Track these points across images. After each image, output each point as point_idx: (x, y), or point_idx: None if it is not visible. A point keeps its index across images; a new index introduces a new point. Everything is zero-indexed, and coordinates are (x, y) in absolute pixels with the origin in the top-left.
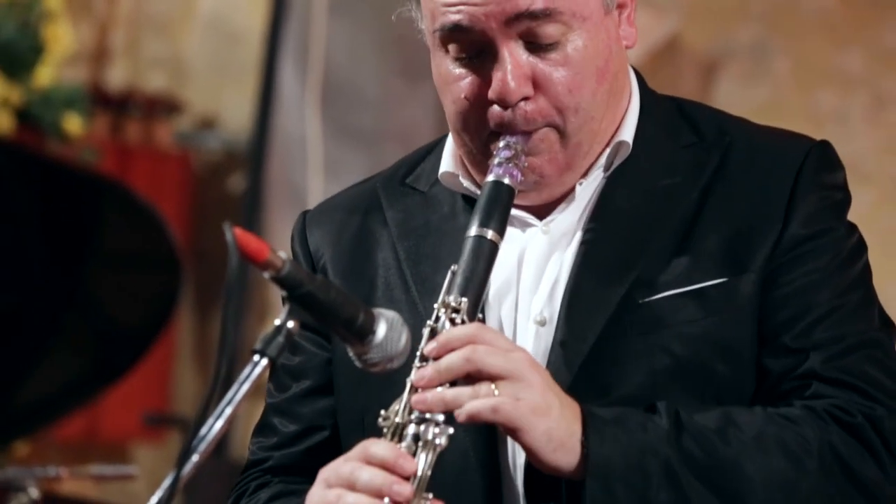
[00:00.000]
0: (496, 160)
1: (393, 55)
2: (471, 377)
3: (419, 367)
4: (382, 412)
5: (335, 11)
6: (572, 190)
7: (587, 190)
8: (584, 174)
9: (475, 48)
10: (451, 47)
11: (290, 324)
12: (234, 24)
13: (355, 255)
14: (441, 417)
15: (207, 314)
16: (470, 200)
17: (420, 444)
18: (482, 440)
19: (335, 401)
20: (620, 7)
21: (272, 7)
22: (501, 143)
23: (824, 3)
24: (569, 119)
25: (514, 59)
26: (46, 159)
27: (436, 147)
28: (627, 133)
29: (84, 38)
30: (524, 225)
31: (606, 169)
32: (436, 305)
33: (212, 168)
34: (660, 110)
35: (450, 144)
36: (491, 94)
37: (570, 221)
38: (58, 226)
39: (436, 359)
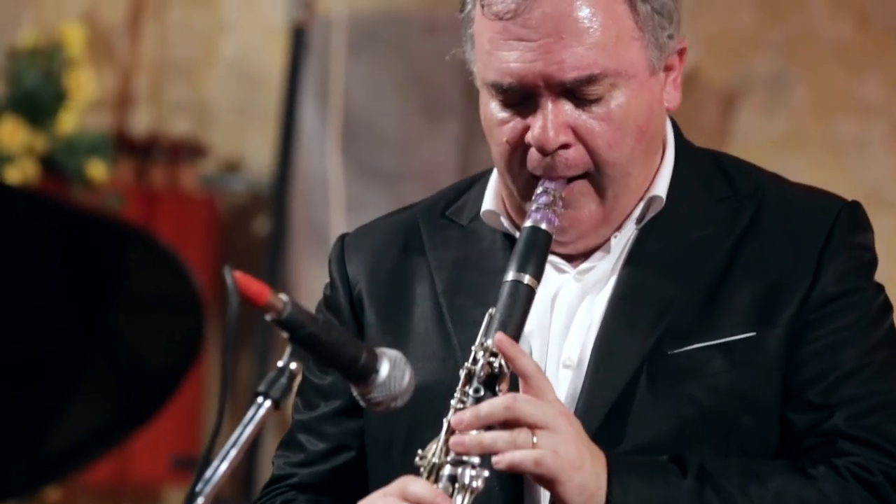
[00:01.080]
0: (534, 205)
1: (413, 94)
2: (508, 423)
3: (458, 409)
4: (420, 451)
5: (354, 51)
6: (607, 241)
7: (621, 241)
8: (619, 227)
9: (521, 97)
10: (500, 95)
11: (293, 365)
12: (256, 66)
13: (392, 285)
14: (476, 460)
15: (236, 355)
16: (510, 239)
17: (457, 485)
18: (509, 482)
19: (363, 425)
20: (668, 69)
21: (291, 48)
22: (540, 189)
23: (840, 32)
24: (605, 172)
25: (555, 110)
26: (68, 208)
27: (478, 181)
28: (661, 187)
29: (107, 85)
30: (558, 270)
31: (639, 221)
32: (473, 347)
33: (237, 210)
34: (696, 163)
35: (493, 182)
36: (531, 140)
37: (603, 270)
38: (82, 272)
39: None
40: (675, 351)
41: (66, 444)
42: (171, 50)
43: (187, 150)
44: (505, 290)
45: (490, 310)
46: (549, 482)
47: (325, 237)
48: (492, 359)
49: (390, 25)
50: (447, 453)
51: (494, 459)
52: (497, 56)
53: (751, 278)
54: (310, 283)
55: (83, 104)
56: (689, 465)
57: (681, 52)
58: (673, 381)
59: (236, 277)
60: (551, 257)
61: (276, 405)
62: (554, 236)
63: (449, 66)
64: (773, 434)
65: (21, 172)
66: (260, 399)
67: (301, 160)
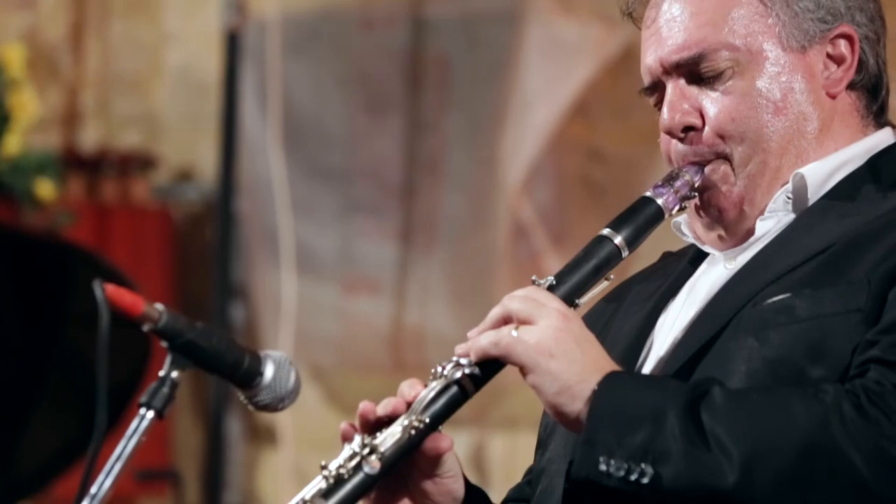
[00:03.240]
0: (661, 182)
1: (355, 91)
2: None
3: None
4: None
5: (293, 52)
6: (753, 230)
7: (767, 225)
8: (763, 210)
9: (658, 91)
10: (650, 99)
11: (174, 374)
12: (201, 74)
13: (602, 315)
14: (465, 361)
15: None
16: (700, 250)
17: (437, 377)
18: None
19: None
20: (836, 59)
21: (227, 53)
22: (675, 171)
23: None
24: (735, 148)
25: (675, 91)
26: (14, 231)
27: None
28: (811, 170)
29: (53, 103)
30: (712, 262)
31: (796, 210)
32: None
33: (192, 219)
34: (893, 168)
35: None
36: (660, 128)
37: (750, 256)
38: (31, 294)
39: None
40: (769, 301)
41: (32, 461)
42: (115, 63)
43: (138, 163)
44: (590, 242)
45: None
46: (520, 369)
47: (275, 240)
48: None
49: (328, 24)
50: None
51: (456, 347)
52: (643, 59)
53: (866, 242)
54: (265, 286)
55: (27, 124)
56: (704, 381)
57: (850, 41)
58: (752, 332)
59: (107, 290)
60: (708, 249)
61: (160, 415)
62: (701, 225)
63: (389, 61)
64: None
65: None
66: (142, 410)
67: (246, 164)
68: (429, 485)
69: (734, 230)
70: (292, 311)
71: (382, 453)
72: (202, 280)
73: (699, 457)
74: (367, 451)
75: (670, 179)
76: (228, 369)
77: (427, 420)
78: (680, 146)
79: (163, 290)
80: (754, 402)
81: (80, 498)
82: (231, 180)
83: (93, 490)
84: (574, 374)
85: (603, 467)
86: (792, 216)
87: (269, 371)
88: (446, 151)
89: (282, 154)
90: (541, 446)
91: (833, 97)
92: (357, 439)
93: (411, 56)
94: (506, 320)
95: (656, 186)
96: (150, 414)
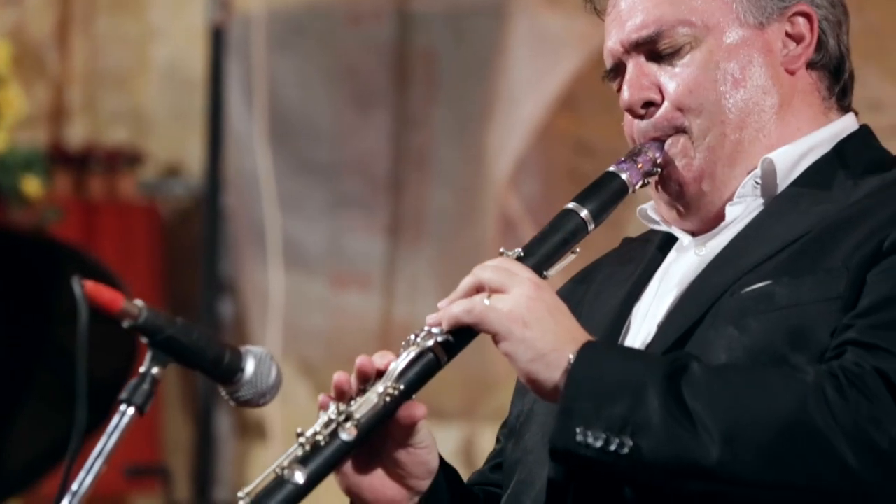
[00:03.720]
0: (624, 158)
1: (342, 86)
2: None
3: None
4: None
5: (279, 47)
6: (722, 211)
7: (737, 211)
8: (732, 196)
9: (620, 73)
10: (614, 83)
11: (155, 370)
12: (188, 70)
13: (571, 299)
14: (436, 330)
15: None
16: (668, 236)
17: (410, 345)
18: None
19: None
20: (796, 38)
21: (212, 49)
22: (635, 148)
23: None
24: (693, 120)
25: (635, 70)
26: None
27: None
28: (780, 155)
29: (39, 99)
30: (681, 250)
31: (765, 195)
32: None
33: (180, 215)
34: (866, 155)
35: None
36: (621, 104)
37: (720, 241)
38: (16, 291)
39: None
40: (742, 291)
41: (20, 459)
42: (101, 59)
43: (125, 159)
44: (555, 216)
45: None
46: (493, 337)
47: (262, 234)
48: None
49: (314, 18)
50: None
51: (430, 319)
52: (604, 49)
53: (841, 229)
54: (253, 281)
55: (13, 121)
56: (682, 354)
57: (808, 18)
58: (731, 321)
59: (86, 287)
60: (679, 234)
61: (140, 411)
62: (665, 203)
63: (376, 55)
64: None
65: None
66: (123, 406)
67: (233, 159)
68: (403, 455)
69: (696, 207)
70: (280, 306)
71: (358, 420)
72: (190, 276)
73: (680, 431)
74: (342, 417)
75: (633, 155)
76: (209, 365)
77: (401, 387)
78: (641, 123)
79: (150, 286)
80: (734, 378)
81: (62, 495)
82: (218, 176)
83: (74, 487)
84: (548, 342)
85: (580, 438)
86: (760, 201)
87: (249, 366)
88: (434, 146)
89: (268, 149)
90: (513, 435)
91: (792, 73)
92: (332, 407)
93: (398, 51)
94: (477, 289)
95: (619, 162)
96: (131, 410)
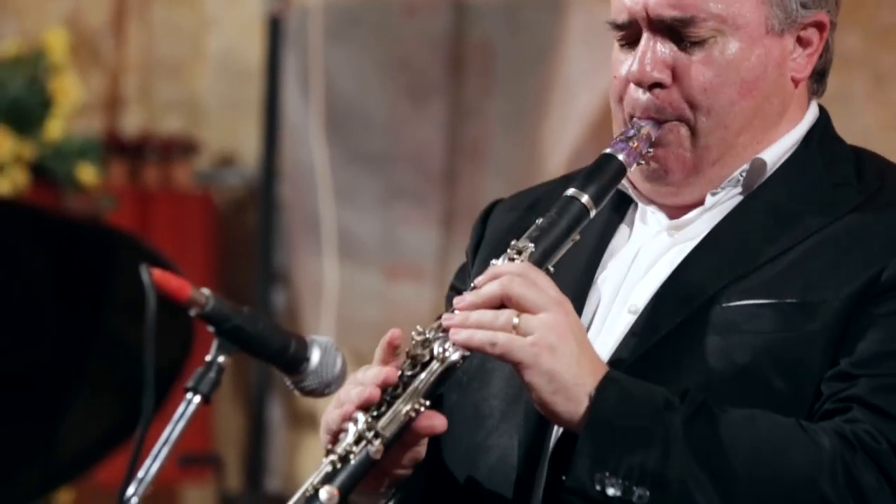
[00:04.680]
0: (619, 137)
1: (397, 77)
2: (504, 305)
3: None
4: (419, 327)
5: (335, 38)
6: (700, 201)
7: (720, 204)
8: (716, 186)
9: (632, 36)
10: (616, 34)
11: (221, 359)
12: (243, 60)
13: (508, 231)
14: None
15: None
16: (623, 196)
17: (435, 356)
18: (533, 420)
19: None
20: (804, 43)
21: (269, 39)
22: (631, 125)
23: None
24: (699, 118)
25: (654, 46)
26: (56, 217)
27: None
28: (769, 154)
29: (95, 88)
30: (653, 221)
31: (745, 189)
32: (512, 244)
33: (234, 205)
34: (829, 148)
35: None
36: (628, 74)
37: (697, 229)
38: (74, 280)
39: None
40: (729, 304)
41: (74, 446)
42: (157, 49)
43: (179, 148)
44: (557, 203)
45: (538, 219)
46: (516, 365)
47: (317, 225)
48: (516, 256)
49: (370, 10)
50: (441, 330)
51: (451, 332)
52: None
53: (831, 250)
54: (306, 271)
55: (70, 109)
56: (690, 396)
57: (820, 28)
58: (716, 332)
59: (154, 275)
60: (651, 209)
61: (206, 400)
62: (644, 176)
63: (431, 47)
64: (803, 404)
65: (11, 182)
66: (189, 395)
67: (288, 150)
68: (401, 453)
69: (674, 191)
70: (334, 297)
71: (386, 437)
72: (244, 266)
73: (695, 492)
74: (372, 434)
75: (627, 134)
76: (274, 354)
77: (427, 404)
78: (642, 97)
79: (204, 275)
80: (752, 439)
81: (128, 482)
82: (273, 166)
83: (140, 474)
84: (572, 374)
85: (598, 486)
86: (738, 190)
87: (315, 356)
88: (488, 137)
89: (324, 140)
90: (459, 385)
91: (796, 83)
92: (361, 421)
93: (453, 42)
94: (502, 300)
95: (615, 143)
96: (197, 399)
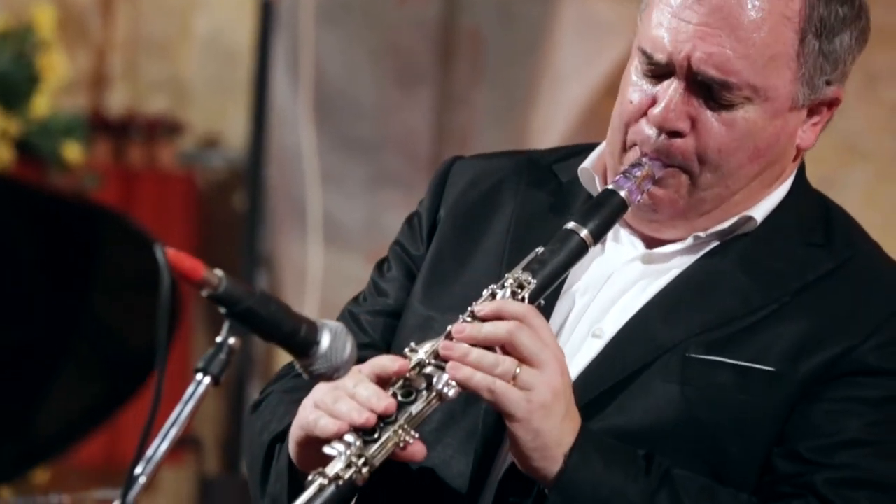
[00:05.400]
0: (624, 172)
1: (386, 63)
2: (505, 351)
3: (465, 321)
4: (412, 343)
5: (325, 22)
6: (684, 238)
7: (700, 244)
8: (702, 231)
9: (660, 71)
10: (644, 61)
11: (231, 340)
12: (232, 41)
13: (475, 211)
14: (447, 376)
15: (208, 332)
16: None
17: (430, 386)
18: (491, 424)
19: (397, 331)
20: (813, 112)
21: (260, 22)
22: (637, 160)
23: None
24: (704, 173)
25: (685, 96)
26: (42, 192)
27: (596, 146)
28: (759, 211)
29: (81, 65)
30: (630, 246)
31: (726, 235)
32: (507, 274)
33: (217, 186)
34: (804, 204)
35: (601, 147)
36: (651, 114)
37: (671, 264)
38: (58, 256)
39: (483, 320)
40: (695, 356)
41: (52, 426)
42: (144, 28)
43: (164, 128)
44: (558, 236)
45: (538, 248)
46: (507, 416)
47: (303, 210)
48: (517, 290)
49: None
50: (436, 356)
51: (450, 366)
52: (658, 27)
53: (799, 320)
54: (290, 255)
55: (56, 86)
56: (654, 464)
57: (832, 103)
58: (679, 381)
59: (168, 254)
60: (626, 232)
61: (216, 381)
62: (630, 208)
63: (421, 34)
64: (752, 471)
65: None
66: (199, 376)
67: (275, 134)
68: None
69: (657, 227)
70: (318, 281)
71: (374, 466)
72: (225, 247)
73: None
74: (362, 462)
75: (631, 170)
76: (285, 337)
77: (416, 436)
78: (655, 138)
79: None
80: None
81: (136, 461)
82: (261, 150)
83: (148, 453)
84: (554, 436)
85: None
86: (717, 242)
87: (325, 340)
88: (477, 126)
89: (312, 124)
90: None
91: (800, 150)
92: (353, 445)
93: (444, 30)
94: (505, 347)
95: (618, 178)
96: (207, 380)
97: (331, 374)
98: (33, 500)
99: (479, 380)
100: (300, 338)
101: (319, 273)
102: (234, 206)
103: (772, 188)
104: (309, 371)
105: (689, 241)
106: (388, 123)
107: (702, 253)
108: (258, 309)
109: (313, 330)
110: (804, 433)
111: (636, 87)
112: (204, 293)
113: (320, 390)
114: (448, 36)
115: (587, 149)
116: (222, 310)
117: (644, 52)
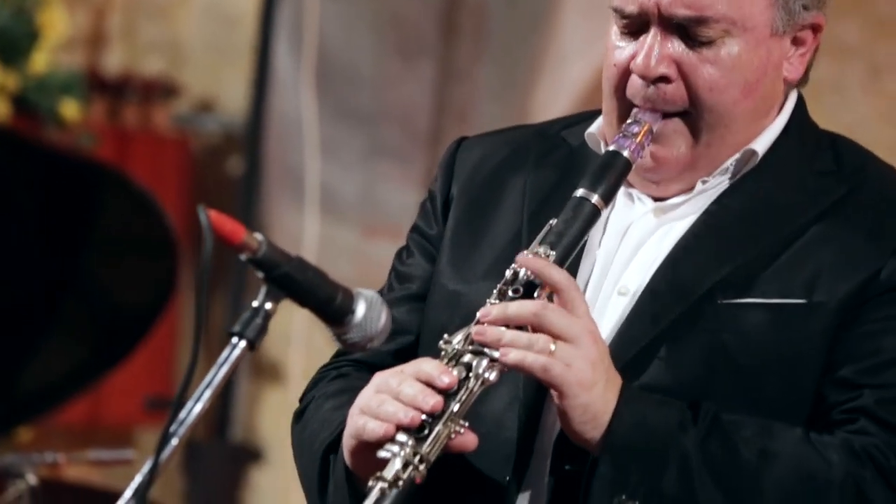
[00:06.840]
0: (622, 132)
1: (389, 34)
2: (533, 328)
3: (493, 304)
4: (445, 336)
5: None
6: (692, 187)
7: (708, 188)
8: (708, 175)
9: (637, 26)
10: (619, 20)
11: (268, 305)
12: (231, 6)
13: (489, 184)
14: (496, 354)
15: (209, 296)
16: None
17: (471, 374)
18: (532, 390)
19: (425, 312)
20: (798, 42)
21: None
22: (632, 118)
23: None
24: (702, 115)
25: (663, 41)
26: (41, 146)
27: (600, 113)
28: (760, 144)
29: (80, 23)
30: (639, 203)
31: (732, 175)
32: (525, 251)
33: (211, 151)
34: (808, 135)
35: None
36: (633, 66)
37: (683, 211)
38: (54, 213)
39: (525, 289)
40: (727, 301)
41: (38, 385)
42: None
43: (160, 90)
44: (570, 205)
45: (551, 220)
46: (559, 393)
47: (300, 178)
48: None
49: None
50: (470, 342)
51: (503, 351)
52: None
53: (822, 249)
54: (284, 224)
55: (55, 42)
56: (703, 412)
57: (815, 30)
58: (714, 329)
59: (211, 216)
60: (635, 191)
61: (252, 346)
62: (634, 166)
63: (425, 6)
64: (802, 403)
65: None
66: (235, 339)
67: (275, 101)
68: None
69: (671, 188)
70: (313, 251)
71: (430, 461)
72: (218, 210)
73: None
74: (418, 459)
75: (631, 130)
76: (321, 304)
77: (467, 425)
78: (648, 90)
79: (178, 218)
80: (771, 470)
81: (171, 422)
82: (260, 116)
83: (182, 415)
84: (600, 405)
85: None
86: (727, 177)
87: (360, 309)
88: (477, 101)
89: (313, 94)
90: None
91: (788, 83)
92: (407, 444)
93: (448, 3)
94: (535, 328)
95: (618, 139)
96: (243, 343)
97: (364, 344)
98: (28, 457)
99: (531, 360)
100: (335, 305)
101: (315, 243)
102: (228, 171)
103: (768, 120)
104: (342, 339)
105: (698, 187)
106: (388, 95)
107: (712, 198)
108: (295, 274)
109: (349, 298)
110: (847, 358)
111: (615, 49)
112: (243, 257)
113: (365, 395)
114: (452, 9)
115: (594, 115)
116: (260, 274)
117: (616, 10)
